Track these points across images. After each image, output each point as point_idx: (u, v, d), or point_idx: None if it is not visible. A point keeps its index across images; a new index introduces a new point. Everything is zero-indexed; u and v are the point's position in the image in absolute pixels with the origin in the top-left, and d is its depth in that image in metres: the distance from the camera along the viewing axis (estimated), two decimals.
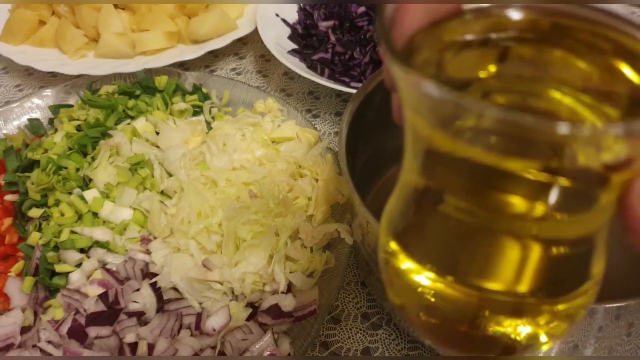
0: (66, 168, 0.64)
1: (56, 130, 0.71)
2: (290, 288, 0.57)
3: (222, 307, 0.54)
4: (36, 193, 0.63)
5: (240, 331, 0.54)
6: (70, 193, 0.63)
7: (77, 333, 0.52)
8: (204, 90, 0.79)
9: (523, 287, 0.22)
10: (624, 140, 0.17)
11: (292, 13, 0.94)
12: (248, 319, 0.55)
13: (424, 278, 0.24)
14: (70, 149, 0.67)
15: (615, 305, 0.40)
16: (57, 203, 0.62)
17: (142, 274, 0.57)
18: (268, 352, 0.52)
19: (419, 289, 0.24)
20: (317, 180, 0.65)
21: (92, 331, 0.52)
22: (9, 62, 0.93)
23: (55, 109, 0.76)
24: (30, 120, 0.77)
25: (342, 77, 0.83)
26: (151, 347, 0.52)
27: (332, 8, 0.89)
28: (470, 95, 0.22)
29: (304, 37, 0.90)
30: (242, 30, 0.94)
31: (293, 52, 0.87)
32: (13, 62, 0.90)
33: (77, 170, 0.65)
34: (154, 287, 0.56)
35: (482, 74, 0.23)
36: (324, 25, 0.88)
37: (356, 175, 0.51)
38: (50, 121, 0.77)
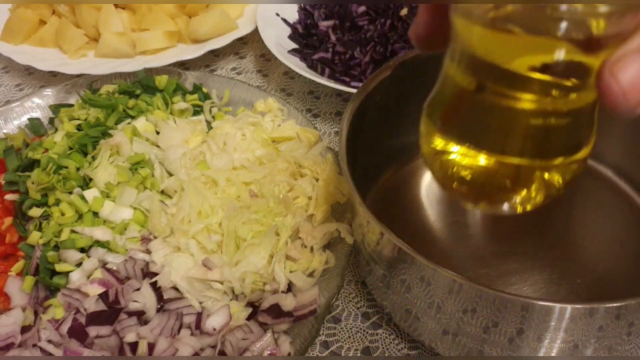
0: (66, 167, 0.64)
1: (56, 129, 0.71)
2: (290, 287, 0.57)
3: (222, 306, 0.55)
4: (36, 192, 0.63)
5: (240, 330, 0.54)
6: (70, 192, 0.63)
7: (78, 332, 0.52)
8: (204, 89, 0.79)
9: (541, 149, 0.31)
10: (608, 17, 0.24)
11: (292, 13, 0.94)
12: (248, 319, 0.55)
13: (459, 153, 0.32)
14: (70, 148, 0.67)
15: (615, 305, 0.40)
16: (58, 202, 0.62)
17: (143, 274, 0.57)
18: (268, 352, 0.52)
19: (455, 160, 0.32)
20: (317, 180, 0.65)
21: (93, 330, 0.52)
22: (9, 61, 0.93)
23: (55, 108, 0.76)
24: (30, 119, 0.77)
25: (343, 76, 0.83)
26: (151, 347, 0.52)
27: (332, 8, 0.89)
28: None
29: (305, 37, 0.90)
30: (243, 30, 0.94)
31: (293, 51, 0.87)
32: (13, 62, 0.90)
33: (78, 169, 0.65)
34: (154, 286, 0.56)
35: None
36: (324, 24, 0.88)
37: (356, 174, 0.51)
38: (51, 120, 0.77)
